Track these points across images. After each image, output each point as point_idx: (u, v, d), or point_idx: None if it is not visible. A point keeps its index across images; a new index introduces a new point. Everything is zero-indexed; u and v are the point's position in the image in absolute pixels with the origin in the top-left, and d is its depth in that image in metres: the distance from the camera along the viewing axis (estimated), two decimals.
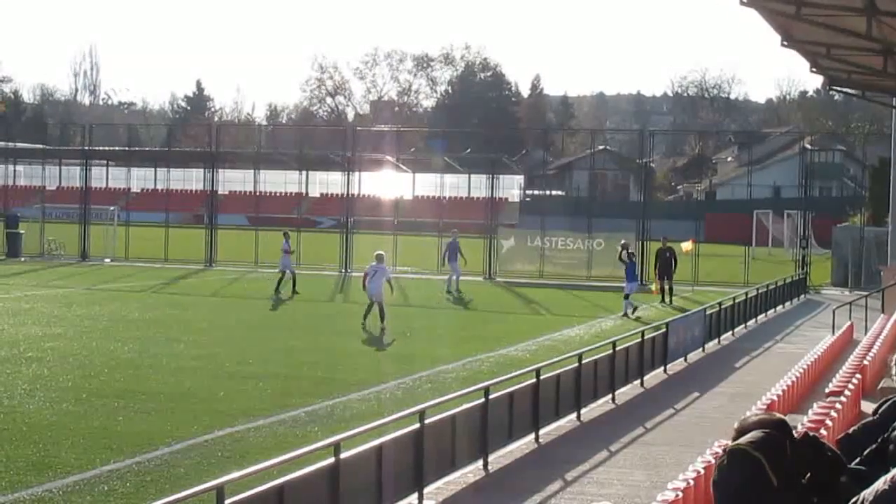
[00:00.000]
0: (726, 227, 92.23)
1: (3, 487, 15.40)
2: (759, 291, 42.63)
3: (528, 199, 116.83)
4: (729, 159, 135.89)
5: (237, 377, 25.25)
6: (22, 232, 66.13)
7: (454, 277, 49.11)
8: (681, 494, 11.21)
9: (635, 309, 40.93)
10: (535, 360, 24.71)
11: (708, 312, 34.02)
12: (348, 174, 67.24)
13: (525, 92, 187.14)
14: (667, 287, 46.27)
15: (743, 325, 38.79)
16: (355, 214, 68.73)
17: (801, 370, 22.15)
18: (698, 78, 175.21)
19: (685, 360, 30.39)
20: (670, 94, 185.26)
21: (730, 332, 36.51)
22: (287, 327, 35.90)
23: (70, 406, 21.14)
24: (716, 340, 34.38)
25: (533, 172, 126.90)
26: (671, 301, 45.71)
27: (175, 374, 25.42)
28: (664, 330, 28.68)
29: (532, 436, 19.61)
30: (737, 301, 38.36)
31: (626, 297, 41.38)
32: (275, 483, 11.98)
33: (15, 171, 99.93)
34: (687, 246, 50.97)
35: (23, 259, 63.39)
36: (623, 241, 46.80)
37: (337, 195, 78.31)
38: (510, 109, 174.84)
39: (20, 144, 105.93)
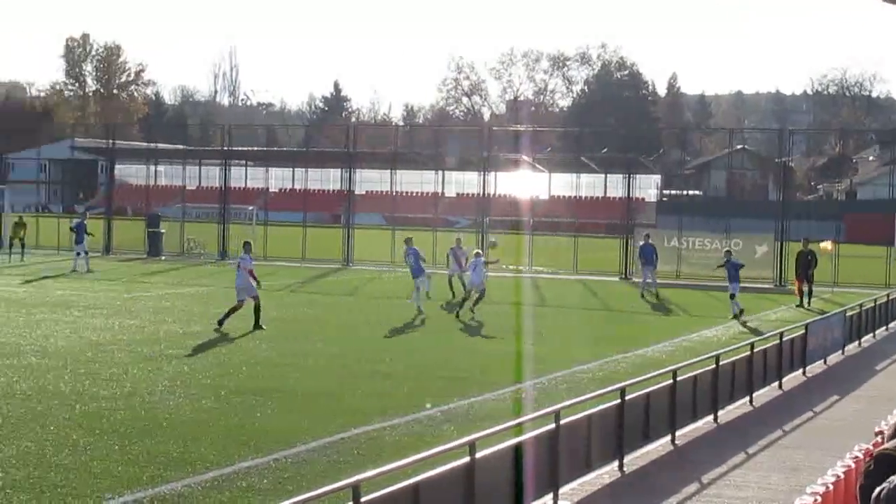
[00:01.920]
0: (867, 227, 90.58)
1: (144, 482, 15.65)
2: None
3: (664, 199, 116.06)
4: (870, 158, 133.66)
5: (373, 376, 25.39)
6: (163, 231, 67.34)
7: (648, 280, 49.39)
8: (819, 499, 11.02)
9: (742, 311, 40.18)
10: (671, 361, 24.49)
11: (848, 314, 33.47)
12: (484, 174, 67.24)
13: (662, 91, 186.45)
14: (806, 289, 45.57)
15: (884, 327, 38.10)
16: (491, 214, 68.83)
17: None
18: (839, 76, 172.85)
19: (824, 362, 29.91)
20: (810, 92, 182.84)
21: (870, 335, 35.90)
22: (421, 326, 36.03)
23: (209, 403, 21.43)
24: (856, 342, 33.81)
25: (670, 172, 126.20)
26: (810, 303, 45.02)
27: (311, 372, 25.68)
28: (803, 332, 28.26)
29: (668, 437, 19.45)
30: (878, 303, 37.66)
31: (732, 296, 40.73)
32: (410, 482, 12.00)
33: (157, 171, 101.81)
34: (826, 246, 50.21)
35: (163, 258, 64.57)
36: (726, 249, 46.17)
37: (473, 195, 78.44)
38: (647, 109, 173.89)
39: (161, 145, 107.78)
